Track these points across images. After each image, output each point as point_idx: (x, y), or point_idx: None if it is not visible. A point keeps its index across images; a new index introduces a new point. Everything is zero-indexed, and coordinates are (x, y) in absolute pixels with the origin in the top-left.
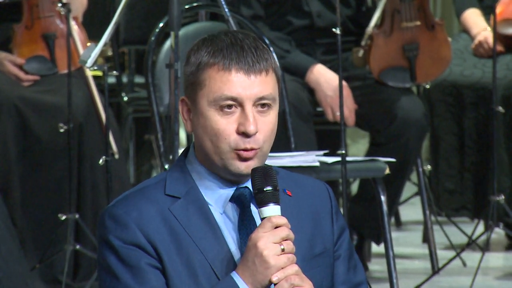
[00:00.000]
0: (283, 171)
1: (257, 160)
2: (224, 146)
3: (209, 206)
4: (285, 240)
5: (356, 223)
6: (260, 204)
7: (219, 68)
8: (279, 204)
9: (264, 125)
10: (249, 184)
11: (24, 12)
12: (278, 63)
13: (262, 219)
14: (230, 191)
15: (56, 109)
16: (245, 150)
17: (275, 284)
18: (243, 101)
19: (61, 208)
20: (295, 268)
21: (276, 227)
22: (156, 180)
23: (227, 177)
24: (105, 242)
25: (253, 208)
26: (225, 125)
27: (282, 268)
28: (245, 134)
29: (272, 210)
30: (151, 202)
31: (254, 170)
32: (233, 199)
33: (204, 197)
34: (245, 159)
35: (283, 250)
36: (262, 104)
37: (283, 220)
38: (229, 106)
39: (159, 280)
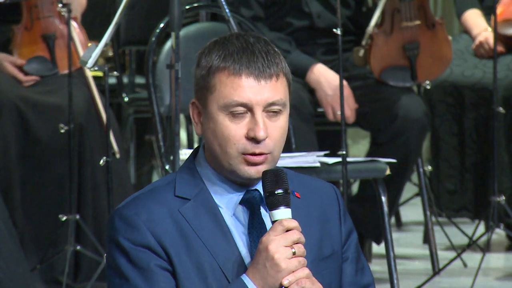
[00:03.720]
0: (291, 172)
1: (267, 165)
2: (232, 152)
3: (219, 209)
4: (296, 243)
5: (357, 223)
6: (271, 207)
7: (229, 73)
8: (290, 207)
9: (274, 130)
10: (259, 187)
11: (23, 13)
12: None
13: (273, 222)
14: (240, 194)
15: (57, 110)
16: (253, 154)
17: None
18: (253, 107)
19: (62, 208)
20: (306, 271)
21: (287, 230)
22: (165, 182)
23: (237, 181)
24: (114, 243)
25: (263, 211)
26: (235, 130)
27: (293, 272)
28: (254, 140)
29: (283, 213)
30: (161, 203)
31: (265, 172)
32: (243, 202)
33: (214, 199)
34: (254, 164)
35: (294, 253)
36: (272, 109)
37: (294, 223)
38: (239, 112)
39: (169, 282)
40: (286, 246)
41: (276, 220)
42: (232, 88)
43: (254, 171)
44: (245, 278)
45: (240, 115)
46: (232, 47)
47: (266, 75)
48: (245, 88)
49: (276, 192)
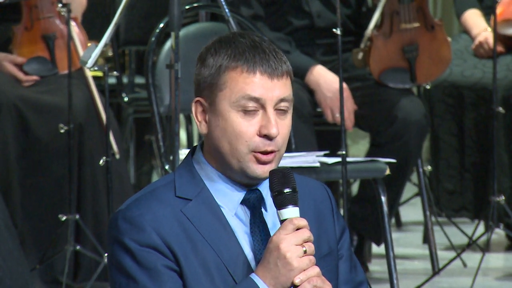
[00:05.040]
0: None
1: (274, 164)
2: (242, 149)
3: (221, 208)
4: (306, 242)
5: (357, 223)
6: (279, 206)
7: (242, 70)
8: (298, 206)
9: (283, 128)
10: (260, 187)
11: (23, 13)
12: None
13: (281, 221)
14: (240, 194)
15: (57, 110)
16: (265, 153)
17: (296, 286)
18: (265, 103)
19: (61, 208)
20: (317, 269)
21: (297, 229)
22: (164, 182)
23: (242, 180)
24: (119, 245)
25: (263, 211)
26: (247, 127)
27: (304, 270)
28: (267, 137)
29: (292, 212)
30: (163, 204)
31: (272, 172)
32: (244, 202)
33: (215, 199)
34: (263, 163)
35: (305, 252)
36: (282, 106)
37: (304, 222)
38: (252, 108)
39: (176, 282)
40: (297, 245)
41: (285, 219)
42: (245, 83)
43: (261, 171)
44: (255, 277)
45: (252, 112)
46: (241, 46)
47: (278, 73)
48: (258, 84)
49: (284, 191)
